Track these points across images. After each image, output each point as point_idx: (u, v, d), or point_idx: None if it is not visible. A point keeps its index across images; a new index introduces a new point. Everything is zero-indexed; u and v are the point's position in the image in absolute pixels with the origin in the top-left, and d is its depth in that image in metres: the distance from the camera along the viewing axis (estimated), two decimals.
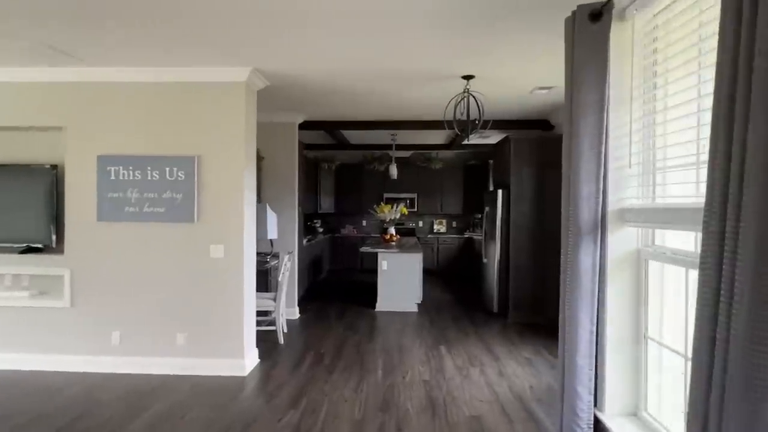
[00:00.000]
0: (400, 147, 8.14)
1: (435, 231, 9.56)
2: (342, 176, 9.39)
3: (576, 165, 2.09)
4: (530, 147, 5.54)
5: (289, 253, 4.86)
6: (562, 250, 2.28)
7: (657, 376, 2.09)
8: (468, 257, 8.87)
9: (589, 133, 2.06)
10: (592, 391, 2.13)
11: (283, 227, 5.50)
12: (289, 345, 4.56)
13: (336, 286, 7.74)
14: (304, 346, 4.50)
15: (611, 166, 2.11)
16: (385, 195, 9.26)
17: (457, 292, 7.33)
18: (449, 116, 3.95)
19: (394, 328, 5.19)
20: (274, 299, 4.58)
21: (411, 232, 9.38)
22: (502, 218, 5.64)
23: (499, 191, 5.64)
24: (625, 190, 2.15)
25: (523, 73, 3.88)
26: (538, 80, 4.13)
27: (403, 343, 4.62)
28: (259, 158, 5.13)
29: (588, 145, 2.06)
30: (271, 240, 5.22)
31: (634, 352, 2.16)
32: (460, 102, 3.90)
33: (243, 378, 3.69)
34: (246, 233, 3.79)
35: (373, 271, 8.98)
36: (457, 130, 3.94)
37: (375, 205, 7.27)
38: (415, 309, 6.03)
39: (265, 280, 5.14)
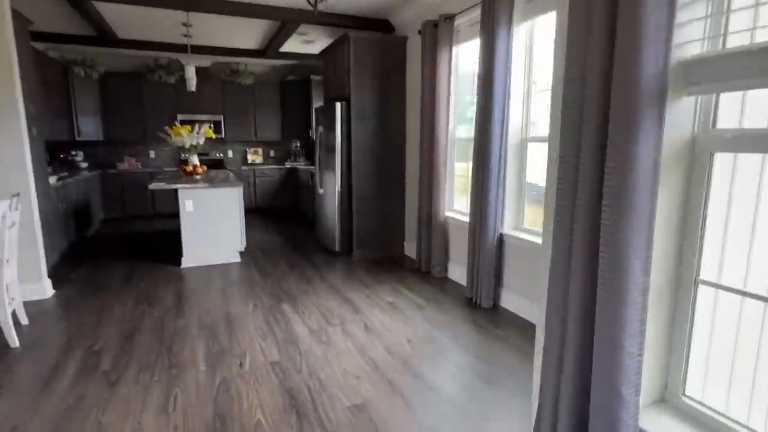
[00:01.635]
0: (197, 50, 6.10)
1: (250, 162, 7.98)
2: (111, 89, 6.75)
3: None
4: (373, 50, 4.54)
5: (13, 196, 2.85)
6: (583, 149, 1.36)
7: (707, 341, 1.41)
8: (293, 190, 7.71)
9: None
10: (640, 392, 1.34)
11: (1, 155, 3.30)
12: (33, 346, 2.77)
13: (116, 242, 5.65)
14: (63, 344, 2.79)
15: None
16: (180, 117, 7.12)
17: (286, 232, 6.20)
18: None
19: (213, 289, 3.81)
20: None
21: (219, 164, 7.59)
22: (342, 138, 4.63)
23: (338, 104, 4.56)
24: (686, 26, 1.25)
25: None
26: None
27: (230, 310, 3.34)
28: None
29: None
30: None
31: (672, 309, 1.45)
32: None
33: None
34: None
35: (173, 216, 7.11)
36: None
37: (165, 127, 5.31)
38: (237, 259, 4.69)
39: None
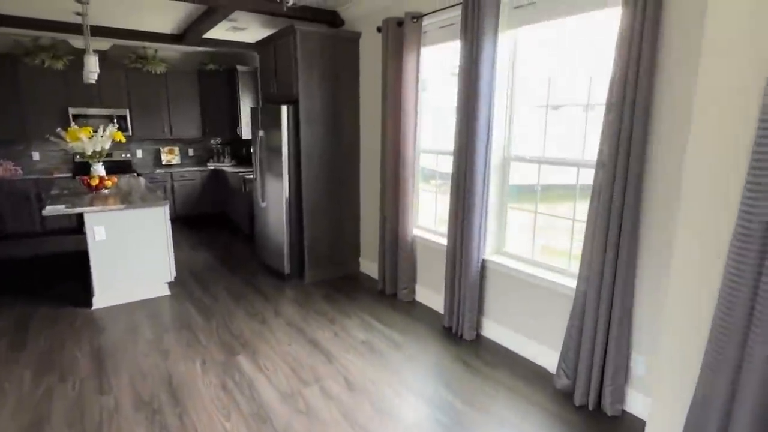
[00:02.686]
0: (97, 31, 4.99)
1: (165, 163, 6.90)
2: None
3: None
4: (322, 45, 3.98)
5: None
6: None
7: None
8: (217, 194, 6.83)
9: None
10: None
11: None
12: None
13: None
14: None
15: None
16: (73, 111, 5.87)
17: (218, 247, 5.43)
18: None
19: (142, 340, 3.08)
20: None
21: (126, 167, 6.45)
22: (290, 145, 4.04)
23: (284, 107, 3.95)
24: None
25: None
26: None
27: (172, 372, 2.69)
28: None
29: None
30: None
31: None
32: None
33: None
34: None
35: (71, 231, 5.87)
36: None
37: (59, 129, 4.25)
38: (166, 291, 3.93)
39: None
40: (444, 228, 3.66)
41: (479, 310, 3.17)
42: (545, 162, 2.82)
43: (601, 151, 2.21)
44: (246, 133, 6.68)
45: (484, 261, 3.10)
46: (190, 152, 7.22)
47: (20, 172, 5.79)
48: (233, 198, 6.30)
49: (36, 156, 6.06)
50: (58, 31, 5.03)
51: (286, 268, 4.27)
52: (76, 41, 5.64)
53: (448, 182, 3.22)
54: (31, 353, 2.89)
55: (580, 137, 2.60)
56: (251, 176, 5.47)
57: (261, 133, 4.37)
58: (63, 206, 3.44)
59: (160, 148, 6.91)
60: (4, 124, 5.55)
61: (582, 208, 2.55)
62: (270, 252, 4.54)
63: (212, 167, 6.84)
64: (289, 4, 2.09)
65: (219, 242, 5.67)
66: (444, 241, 3.50)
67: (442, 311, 3.53)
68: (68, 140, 4.21)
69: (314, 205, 4.19)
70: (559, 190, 2.94)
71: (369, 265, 4.45)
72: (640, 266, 2.25)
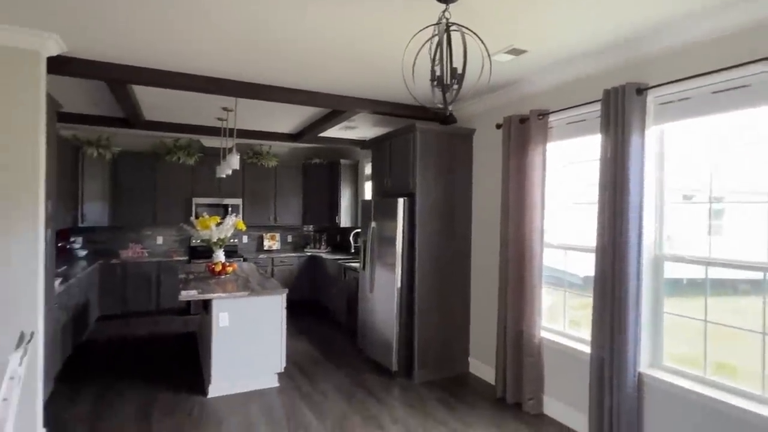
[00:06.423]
0: (230, 133, 5.63)
1: (266, 248, 7.27)
2: (122, 171, 6.14)
3: None
4: (439, 142, 4.12)
5: (27, 343, 2.05)
6: None
7: None
8: (312, 280, 6.95)
9: None
10: None
11: (6, 271, 2.57)
12: None
13: (118, 351, 4.72)
14: None
15: None
16: (197, 201, 6.49)
17: (317, 337, 5.37)
18: (422, 67, 2.11)
19: None
20: None
21: (233, 252, 6.85)
22: (404, 238, 4.04)
23: (401, 200, 4.03)
24: None
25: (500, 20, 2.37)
26: (513, 35, 2.68)
27: None
28: None
29: None
30: None
31: None
32: (435, 42, 2.09)
33: None
34: None
35: (180, 312, 6.20)
36: (438, 94, 2.09)
37: (192, 218, 4.66)
38: (275, 383, 3.84)
39: None
40: (576, 331, 3.32)
41: None
42: (715, 264, 2.49)
43: None
44: (345, 221, 6.93)
45: (640, 375, 2.68)
46: (289, 238, 7.57)
47: (145, 253, 6.35)
48: (329, 285, 6.35)
49: (160, 240, 6.66)
50: (195, 133, 5.76)
51: (394, 365, 4.04)
52: (207, 140, 6.39)
53: (577, 281, 2.96)
54: None
55: (765, 233, 2.28)
56: (352, 264, 5.52)
57: (373, 224, 4.45)
58: (195, 292, 3.61)
59: (263, 234, 7.32)
60: (142, 212, 6.22)
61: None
62: (376, 346, 4.37)
63: (309, 253, 7.07)
64: (448, 113, 2.13)
65: (317, 331, 5.62)
66: (579, 346, 3.14)
67: (579, 430, 3.06)
68: (199, 228, 4.57)
69: (425, 298, 4.05)
70: (726, 287, 2.56)
71: (480, 367, 4.10)
72: None
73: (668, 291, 2.73)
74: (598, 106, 2.93)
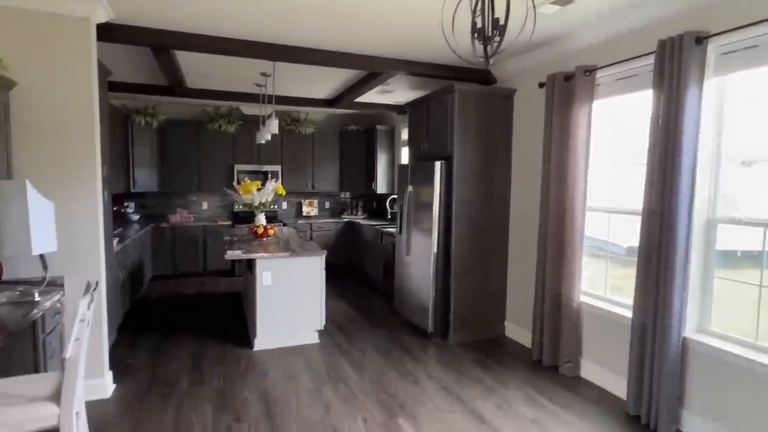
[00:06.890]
0: (268, 99, 5.70)
1: (305, 214, 7.45)
2: (169, 139, 6.39)
3: None
4: (477, 103, 4.01)
5: (93, 290, 2.24)
6: None
7: None
8: (349, 246, 7.09)
9: None
10: None
11: (72, 228, 2.78)
12: None
13: (171, 307, 5.06)
14: None
15: None
16: (238, 167, 6.69)
17: (355, 299, 5.53)
18: (462, 22, 2.04)
19: (304, 391, 3.11)
20: (57, 398, 2.00)
21: (273, 217, 7.07)
22: (441, 201, 4.03)
23: (437, 163, 3.99)
24: None
25: None
26: None
27: (334, 425, 2.63)
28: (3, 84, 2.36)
29: None
30: (42, 257, 2.51)
31: None
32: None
33: None
34: None
35: (225, 274, 6.55)
36: (479, 48, 2.02)
37: (234, 183, 4.82)
38: (315, 339, 4.02)
39: (31, 346, 2.42)
40: (618, 297, 3.25)
41: (679, 401, 2.64)
42: None
43: None
44: (381, 187, 6.96)
45: (685, 340, 2.61)
46: (326, 205, 7.70)
47: (192, 218, 6.66)
48: (366, 250, 6.46)
49: (204, 206, 6.96)
50: (235, 100, 5.87)
51: (430, 327, 4.12)
52: (246, 108, 6.51)
53: (620, 251, 2.86)
54: (208, 390, 3.08)
55: None
56: (389, 229, 5.58)
57: (410, 188, 4.45)
58: (240, 252, 3.78)
59: (302, 201, 7.49)
60: (186, 179, 6.49)
61: None
62: (412, 308, 4.45)
63: (346, 219, 7.18)
64: (489, 66, 2.05)
65: (354, 293, 5.78)
66: (621, 311, 3.08)
67: (617, 393, 3.05)
68: (241, 193, 4.73)
69: (462, 262, 4.06)
70: None
71: (516, 330, 4.11)
72: None
73: (721, 263, 2.61)
74: (651, 59, 2.75)
